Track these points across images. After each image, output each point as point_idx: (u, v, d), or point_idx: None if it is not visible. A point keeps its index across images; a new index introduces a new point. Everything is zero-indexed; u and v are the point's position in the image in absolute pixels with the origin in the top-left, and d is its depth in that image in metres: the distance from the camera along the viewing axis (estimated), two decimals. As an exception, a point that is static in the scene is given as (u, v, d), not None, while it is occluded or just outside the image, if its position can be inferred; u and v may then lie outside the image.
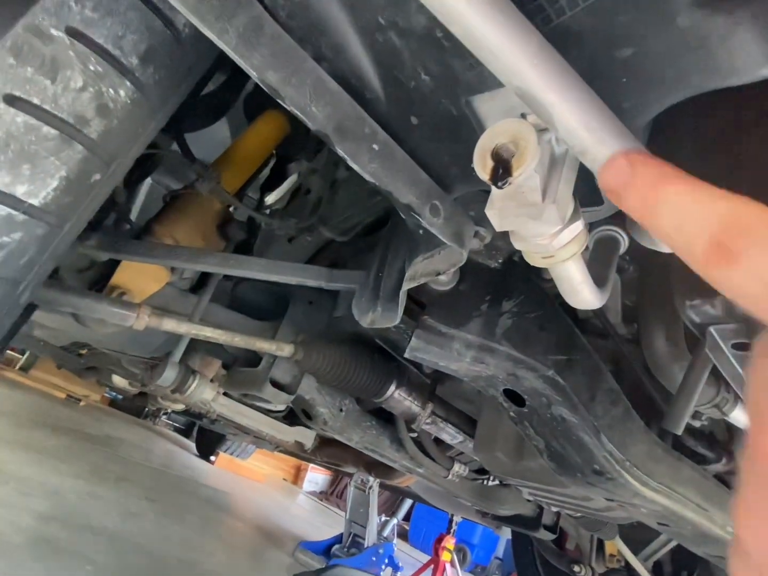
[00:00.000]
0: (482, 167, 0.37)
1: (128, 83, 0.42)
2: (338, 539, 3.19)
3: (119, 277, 0.92)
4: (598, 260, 0.62)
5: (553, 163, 0.39)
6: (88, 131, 0.41)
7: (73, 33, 0.39)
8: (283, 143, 1.26)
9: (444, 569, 3.03)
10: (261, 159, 1.21)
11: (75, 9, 0.39)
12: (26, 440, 2.87)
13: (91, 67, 0.40)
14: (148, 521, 2.41)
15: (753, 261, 0.21)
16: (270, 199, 1.30)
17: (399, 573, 3.07)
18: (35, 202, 0.40)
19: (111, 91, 0.41)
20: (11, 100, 0.37)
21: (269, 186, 1.40)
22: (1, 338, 0.50)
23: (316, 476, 7.25)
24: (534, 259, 0.45)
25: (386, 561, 2.90)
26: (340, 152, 0.37)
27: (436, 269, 0.52)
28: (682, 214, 0.23)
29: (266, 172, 1.39)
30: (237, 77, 1.25)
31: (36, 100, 0.38)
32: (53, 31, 0.38)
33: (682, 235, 0.23)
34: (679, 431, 0.59)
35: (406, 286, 0.56)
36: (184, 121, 1.08)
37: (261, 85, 0.33)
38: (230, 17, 0.32)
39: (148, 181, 1.36)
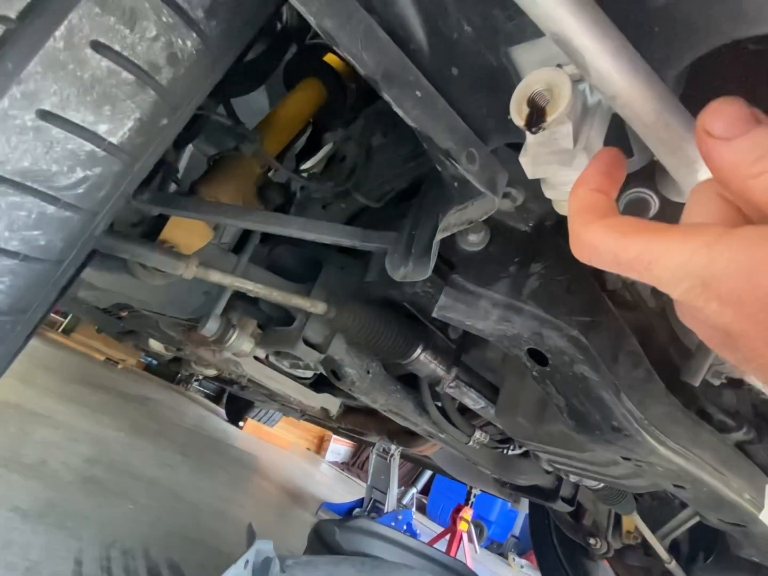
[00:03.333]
0: (518, 113, 0.40)
1: (194, 35, 0.46)
2: (359, 503, 3.31)
3: (168, 232, 0.98)
4: (628, 221, 0.63)
5: (585, 112, 0.41)
6: (160, 78, 0.45)
7: (149, -14, 0.43)
8: (319, 112, 1.30)
9: (461, 538, 3.12)
10: (300, 125, 1.25)
11: (151, -36, 0.43)
12: (72, 394, 3.08)
13: (164, 19, 0.44)
14: (182, 473, 2.57)
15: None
16: (307, 165, 1.34)
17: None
18: (114, 140, 0.45)
19: (180, 41, 0.46)
20: (97, 47, 0.42)
21: (305, 155, 1.44)
22: (76, 269, 0.56)
23: (339, 447, 7.46)
24: (563, 208, 0.47)
25: (405, 527, 3.01)
26: (386, 98, 0.41)
27: (468, 218, 0.55)
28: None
29: (302, 141, 1.43)
30: (277, 45, 1.28)
31: (117, 47, 0.43)
32: (132, -16, 0.43)
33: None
34: (696, 382, 0.61)
35: (440, 236, 0.59)
36: (229, 86, 1.12)
37: (318, 31, 0.37)
38: (293, -32, 0.35)
39: (189, 148, 1.42)
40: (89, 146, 0.44)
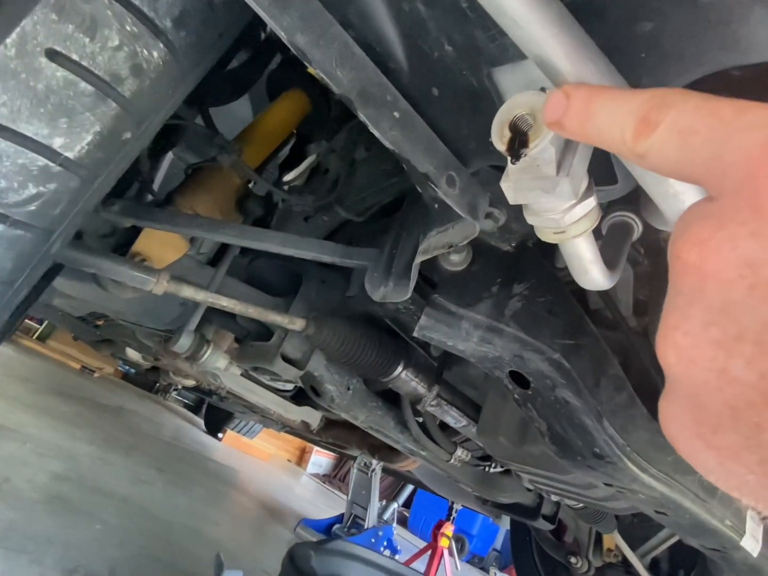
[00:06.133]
0: (499, 138, 0.38)
1: (161, 45, 0.44)
2: (339, 519, 3.25)
3: (140, 245, 0.95)
4: (611, 245, 0.62)
5: (569, 139, 0.40)
6: (122, 90, 0.43)
7: (111, -7, 0.41)
8: (303, 123, 1.28)
9: (442, 555, 3.07)
10: (282, 136, 1.22)
11: (114, -30, 0.40)
12: (44, 405, 2.97)
13: (128, 27, 0.41)
14: (156, 489, 2.49)
15: (671, 120, 0.24)
16: (289, 176, 1.31)
17: (397, 556, 3.12)
18: (70, 155, 0.42)
19: (145, 51, 0.43)
20: (52, 55, 0.39)
21: (288, 166, 1.41)
22: (31, 288, 0.53)
23: (320, 459, 7.35)
24: (545, 235, 0.46)
25: (385, 543, 2.95)
26: (363, 118, 0.39)
27: (449, 242, 0.53)
28: (613, 109, 0.27)
29: (285, 151, 1.41)
30: (261, 55, 1.26)
31: (75, 57, 0.40)
32: (93, -9, 0.40)
33: (614, 125, 0.26)
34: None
35: (419, 259, 0.57)
36: (209, 95, 1.09)
37: (290, 47, 0.35)
38: (263, -21, 0.33)
39: (170, 156, 1.39)
40: (42, 161, 0.41)
